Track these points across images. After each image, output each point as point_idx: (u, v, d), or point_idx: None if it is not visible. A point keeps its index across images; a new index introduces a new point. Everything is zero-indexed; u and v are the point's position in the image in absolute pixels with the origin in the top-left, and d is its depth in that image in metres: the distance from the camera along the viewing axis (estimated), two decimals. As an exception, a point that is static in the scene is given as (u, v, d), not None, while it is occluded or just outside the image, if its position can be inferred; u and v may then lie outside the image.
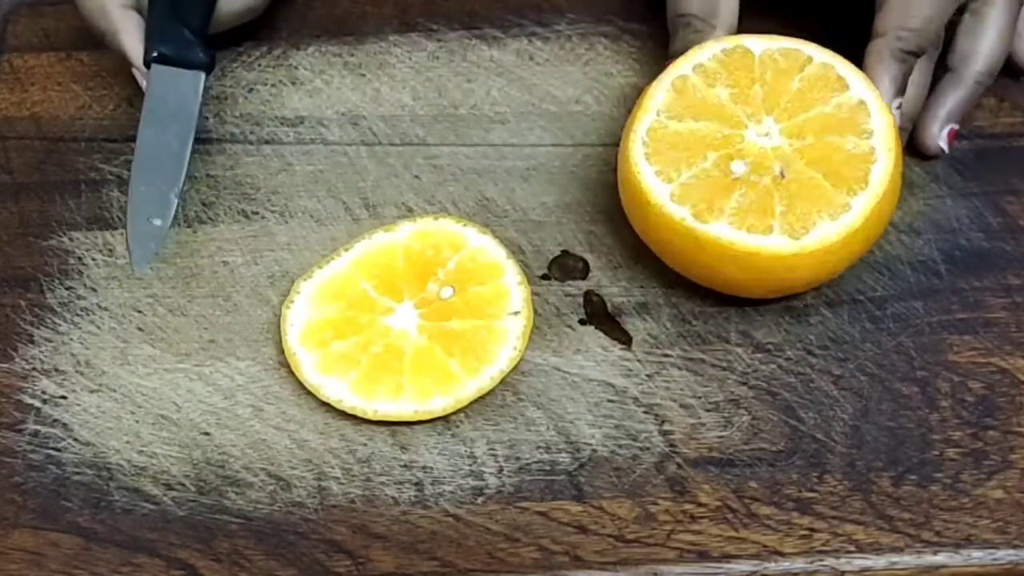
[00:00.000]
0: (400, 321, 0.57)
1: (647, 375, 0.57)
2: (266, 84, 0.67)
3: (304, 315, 0.57)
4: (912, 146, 0.63)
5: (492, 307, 0.57)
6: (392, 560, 0.52)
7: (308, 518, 0.53)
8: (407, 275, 0.58)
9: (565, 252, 0.61)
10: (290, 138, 0.65)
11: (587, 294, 0.59)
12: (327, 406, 0.56)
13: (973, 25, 0.61)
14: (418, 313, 0.57)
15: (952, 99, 0.62)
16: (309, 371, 0.56)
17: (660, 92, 0.57)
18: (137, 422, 0.56)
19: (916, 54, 0.59)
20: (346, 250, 0.59)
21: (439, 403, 0.55)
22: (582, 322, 0.59)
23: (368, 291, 0.58)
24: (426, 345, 0.56)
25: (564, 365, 0.57)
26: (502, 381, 0.56)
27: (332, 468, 0.55)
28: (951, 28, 0.61)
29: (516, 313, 0.57)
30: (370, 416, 0.55)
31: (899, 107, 0.59)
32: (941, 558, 0.52)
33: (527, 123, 0.65)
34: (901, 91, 0.59)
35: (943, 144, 0.62)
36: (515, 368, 0.56)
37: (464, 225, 0.60)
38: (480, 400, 0.56)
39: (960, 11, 0.61)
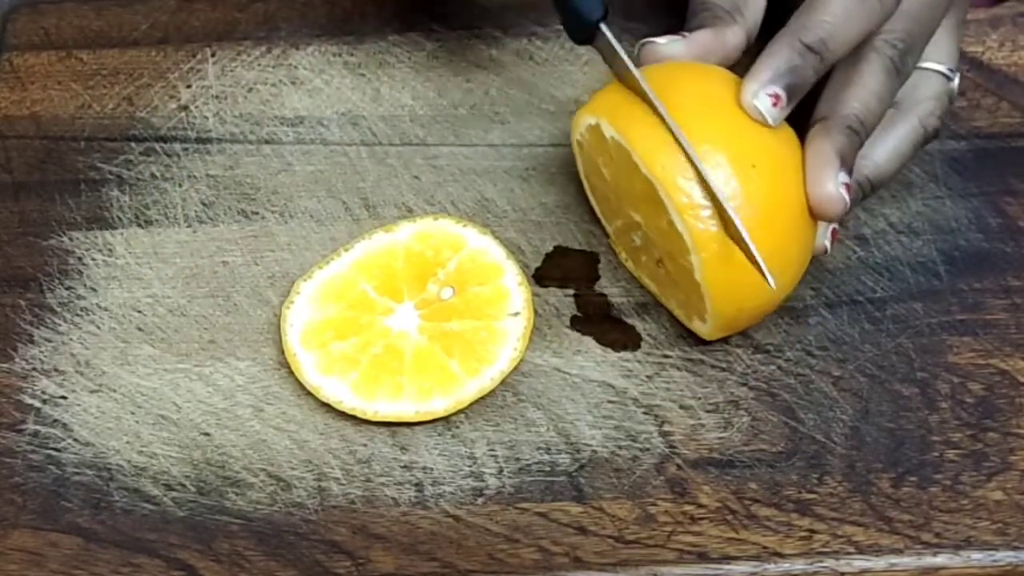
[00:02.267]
0: (400, 322, 0.57)
1: (647, 376, 0.57)
2: (266, 84, 0.67)
3: (304, 315, 0.57)
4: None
5: (492, 308, 0.57)
6: (392, 561, 0.52)
7: (308, 519, 0.53)
8: (407, 276, 0.58)
9: (565, 252, 0.61)
10: (290, 138, 0.65)
11: (587, 294, 0.60)
12: (327, 407, 0.56)
13: (843, 77, 0.56)
14: (418, 314, 0.57)
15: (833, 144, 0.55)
16: (309, 372, 0.56)
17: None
18: (137, 422, 0.56)
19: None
20: (346, 250, 0.59)
21: (439, 404, 0.55)
22: (582, 323, 0.59)
23: (368, 292, 0.58)
24: (426, 346, 0.56)
25: (564, 366, 0.57)
26: (502, 382, 0.56)
27: (332, 469, 0.55)
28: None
29: (516, 314, 0.57)
30: (370, 417, 0.55)
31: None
32: (941, 559, 0.52)
33: (527, 123, 0.65)
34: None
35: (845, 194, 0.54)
36: (515, 369, 0.56)
37: (464, 226, 0.60)
38: (480, 401, 0.56)
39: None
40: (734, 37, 0.57)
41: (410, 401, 0.55)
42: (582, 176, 0.60)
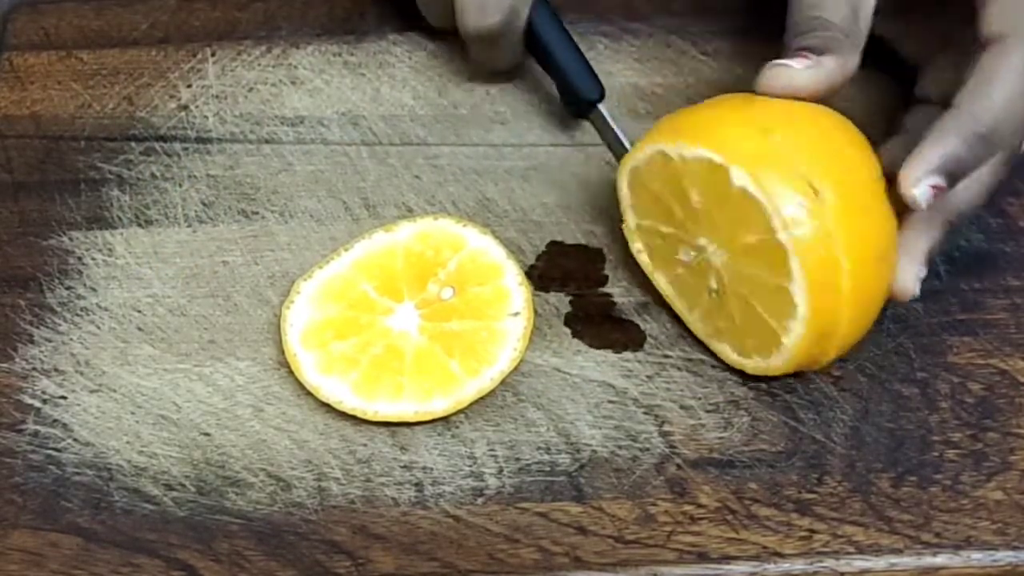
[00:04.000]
0: (400, 322, 0.57)
1: (647, 376, 0.57)
2: (266, 83, 0.67)
3: (304, 315, 0.57)
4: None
5: (492, 308, 0.57)
6: (392, 561, 0.52)
7: (308, 519, 0.53)
8: (407, 275, 0.58)
9: (565, 252, 0.61)
10: (290, 138, 0.65)
11: (587, 294, 0.60)
12: (327, 407, 0.56)
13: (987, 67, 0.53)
14: (418, 314, 0.57)
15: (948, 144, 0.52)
16: (309, 371, 0.56)
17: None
18: (137, 422, 0.56)
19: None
20: (346, 250, 0.59)
21: (439, 404, 0.55)
22: (582, 323, 0.59)
23: (368, 292, 0.58)
24: (426, 346, 0.56)
25: (564, 366, 0.57)
26: (502, 382, 0.56)
27: (332, 469, 0.55)
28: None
29: (516, 314, 0.57)
30: (370, 417, 0.55)
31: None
32: (941, 559, 0.52)
33: (527, 123, 0.65)
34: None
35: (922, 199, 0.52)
36: (515, 369, 0.56)
37: (464, 225, 0.60)
38: (480, 401, 0.56)
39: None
40: (854, 65, 0.55)
41: (410, 401, 0.55)
42: (624, 178, 0.58)
